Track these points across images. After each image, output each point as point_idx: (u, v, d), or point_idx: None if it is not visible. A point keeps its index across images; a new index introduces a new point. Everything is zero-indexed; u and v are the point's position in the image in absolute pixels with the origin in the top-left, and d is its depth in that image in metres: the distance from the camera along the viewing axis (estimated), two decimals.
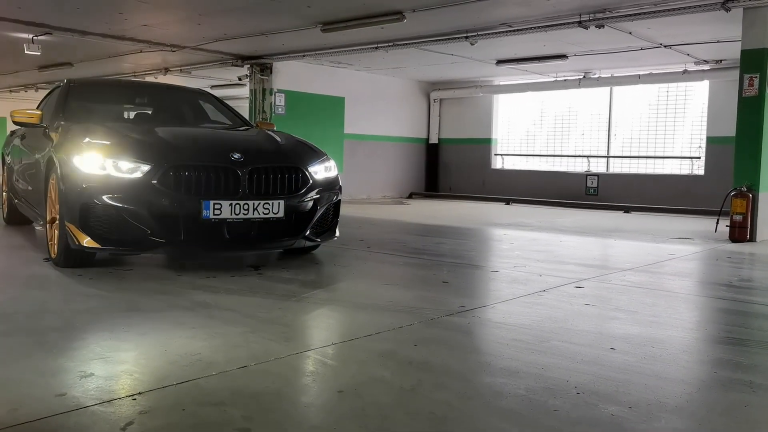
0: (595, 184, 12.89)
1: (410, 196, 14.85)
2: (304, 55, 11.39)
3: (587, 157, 13.39)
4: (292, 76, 12.38)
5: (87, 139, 4.59)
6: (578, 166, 13.58)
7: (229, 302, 3.71)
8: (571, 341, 3.05)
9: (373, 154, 14.08)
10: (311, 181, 4.86)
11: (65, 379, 2.41)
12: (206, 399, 2.23)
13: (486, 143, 14.60)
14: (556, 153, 13.96)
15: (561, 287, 4.37)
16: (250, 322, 3.26)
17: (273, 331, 3.11)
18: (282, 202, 4.61)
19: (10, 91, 19.12)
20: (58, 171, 4.50)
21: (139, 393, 2.26)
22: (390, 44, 10.18)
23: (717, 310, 3.90)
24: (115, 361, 2.61)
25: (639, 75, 12.08)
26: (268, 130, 5.71)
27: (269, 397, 2.26)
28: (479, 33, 9.14)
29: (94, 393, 2.25)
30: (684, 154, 12.19)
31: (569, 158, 13.77)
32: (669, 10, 7.55)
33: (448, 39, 9.50)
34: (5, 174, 7.30)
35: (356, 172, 13.50)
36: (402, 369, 2.60)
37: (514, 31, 8.84)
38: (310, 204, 4.84)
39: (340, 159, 13.16)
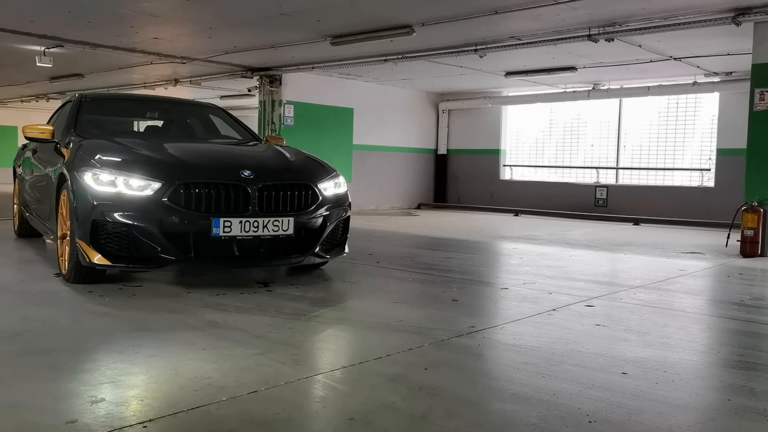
0: (604, 196, 12.85)
1: (419, 207, 14.85)
2: (313, 67, 11.43)
3: (596, 168, 13.36)
4: (302, 87, 12.43)
5: (98, 156, 4.62)
6: (587, 177, 13.55)
7: (239, 321, 3.71)
8: (582, 365, 3.03)
9: (382, 165, 14.09)
10: (321, 198, 4.87)
11: (76, 404, 2.41)
12: (217, 427, 2.22)
13: (495, 154, 14.59)
14: (565, 164, 13.93)
15: (571, 306, 4.35)
16: (260, 343, 3.26)
17: (283, 353, 3.11)
18: (291, 219, 4.62)
19: (22, 101, 19.28)
20: (70, 187, 4.53)
21: (150, 420, 2.26)
22: (399, 56, 10.20)
23: (729, 331, 3.86)
24: (126, 385, 2.61)
25: (648, 87, 12.05)
26: (278, 146, 5.73)
27: (279, 425, 2.26)
28: (488, 46, 9.15)
29: (105, 420, 2.25)
30: (694, 166, 12.14)
31: (578, 169, 13.74)
32: (679, 24, 7.53)
33: (458, 51, 9.51)
34: (17, 187, 7.35)
35: (365, 183, 13.52)
36: (413, 394, 2.59)
37: (523, 44, 8.84)
38: (320, 221, 4.85)
39: (348, 170, 13.19)
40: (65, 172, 4.69)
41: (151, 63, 11.49)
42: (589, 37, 8.19)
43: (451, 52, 9.62)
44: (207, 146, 5.57)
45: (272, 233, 4.53)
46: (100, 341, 3.27)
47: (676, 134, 12.37)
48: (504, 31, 8.55)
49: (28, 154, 6.57)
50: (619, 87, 12.53)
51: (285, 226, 4.58)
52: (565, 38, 8.45)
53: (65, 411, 2.34)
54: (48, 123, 6.26)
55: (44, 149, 5.78)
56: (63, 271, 4.78)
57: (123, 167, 4.47)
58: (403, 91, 14.42)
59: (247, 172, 4.59)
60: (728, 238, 7.95)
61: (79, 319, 3.70)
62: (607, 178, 13.25)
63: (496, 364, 3.14)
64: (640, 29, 7.87)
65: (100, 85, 14.90)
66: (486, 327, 3.73)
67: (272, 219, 4.53)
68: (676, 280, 5.56)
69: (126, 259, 4.40)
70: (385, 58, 10.33)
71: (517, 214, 13.05)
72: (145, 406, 2.40)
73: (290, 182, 4.74)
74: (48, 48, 10.28)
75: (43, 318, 3.73)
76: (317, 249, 4.89)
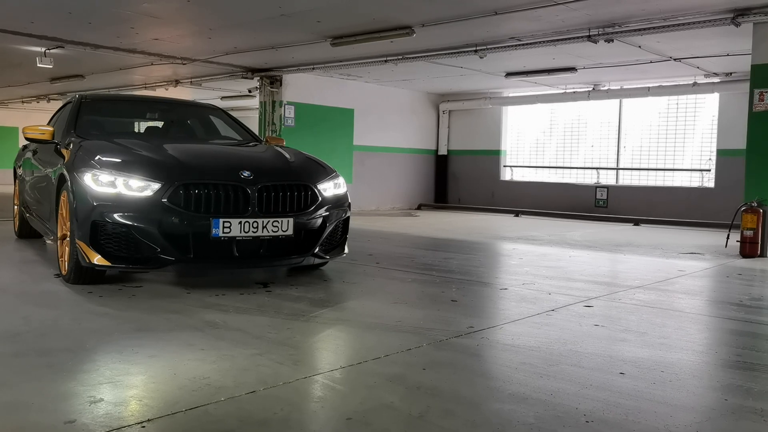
0: (604, 196, 12.86)
1: (419, 208, 14.86)
2: (313, 68, 11.45)
3: (597, 169, 13.36)
4: (302, 88, 12.44)
5: (98, 157, 4.63)
6: (587, 178, 13.55)
7: (238, 322, 3.72)
8: (580, 365, 3.04)
9: (383, 166, 14.11)
10: (320, 199, 4.88)
11: (75, 404, 2.42)
12: (215, 427, 2.23)
13: (495, 155, 14.60)
14: (566, 164, 13.94)
15: (570, 306, 4.36)
16: (258, 344, 3.27)
17: (281, 353, 3.12)
18: (291, 219, 4.62)
19: (23, 101, 19.30)
20: (70, 188, 4.54)
21: (148, 420, 2.27)
22: (399, 57, 10.22)
23: (727, 332, 3.87)
24: (125, 386, 2.62)
25: (648, 87, 12.06)
26: (278, 147, 5.74)
27: (277, 425, 2.27)
28: (488, 46, 9.16)
29: (103, 420, 2.26)
30: (694, 167, 12.15)
31: (578, 170, 13.74)
32: (679, 25, 7.54)
33: (457, 52, 9.53)
34: (17, 188, 7.36)
35: (365, 184, 13.53)
36: (411, 394, 2.60)
37: (523, 44, 8.86)
38: (320, 221, 4.86)
39: (349, 170, 13.20)
40: (65, 172, 4.69)
41: (152, 64, 11.51)
42: (589, 37, 8.20)
43: (451, 53, 9.63)
44: (207, 147, 5.58)
45: (272, 234, 4.54)
46: (100, 341, 3.28)
47: (676, 135, 12.38)
48: (504, 32, 8.56)
49: (29, 154, 6.59)
50: (619, 88, 12.54)
51: (284, 226, 4.59)
52: (565, 39, 8.46)
53: (64, 411, 2.34)
54: (48, 124, 6.27)
55: (44, 150, 5.79)
56: (63, 272, 4.79)
57: (123, 168, 4.48)
58: (403, 92, 14.43)
59: (246, 173, 4.60)
60: (728, 238, 7.96)
61: (79, 320, 3.71)
62: (608, 178, 13.25)
63: (495, 364, 3.15)
64: (639, 30, 7.88)
65: (100, 86, 14.92)
66: (485, 327, 3.74)
67: (272, 220, 4.54)
68: (675, 280, 5.56)
69: (126, 260, 4.41)
70: (385, 58, 10.35)
71: (517, 215, 13.05)
72: (143, 406, 2.41)
73: (290, 183, 4.75)
74: (49, 49, 10.31)
75: (43, 318, 3.74)
76: (317, 249, 4.90)
